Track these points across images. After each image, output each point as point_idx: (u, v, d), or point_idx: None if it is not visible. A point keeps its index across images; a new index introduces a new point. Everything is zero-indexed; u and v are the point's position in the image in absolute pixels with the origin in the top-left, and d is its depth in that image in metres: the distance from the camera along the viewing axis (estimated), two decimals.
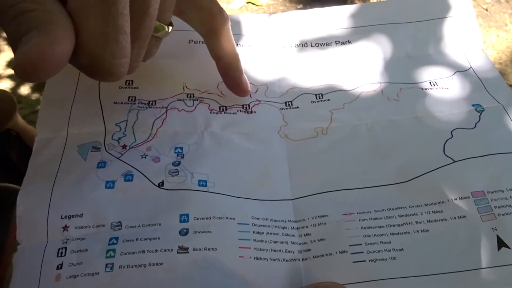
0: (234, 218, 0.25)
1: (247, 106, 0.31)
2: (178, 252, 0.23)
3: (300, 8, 1.39)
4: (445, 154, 0.28)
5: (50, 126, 0.28)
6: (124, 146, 0.28)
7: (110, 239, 0.24)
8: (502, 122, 0.30)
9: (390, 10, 0.36)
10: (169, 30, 0.26)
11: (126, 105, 0.30)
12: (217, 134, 0.29)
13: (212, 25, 0.28)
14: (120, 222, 0.25)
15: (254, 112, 0.31)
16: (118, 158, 0.27)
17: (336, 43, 0.35)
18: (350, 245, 0.25)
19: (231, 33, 0.29)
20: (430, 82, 0.32)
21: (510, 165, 0.27)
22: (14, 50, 0.18)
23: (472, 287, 0.23)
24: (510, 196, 0.26)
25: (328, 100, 0.32)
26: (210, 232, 0.24)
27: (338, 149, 0.29)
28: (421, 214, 0.26)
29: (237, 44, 0.30)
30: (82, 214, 0.25)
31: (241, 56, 0.30)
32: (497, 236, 0.24)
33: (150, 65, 0.28)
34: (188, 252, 0.23)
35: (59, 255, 0.23)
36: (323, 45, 0.35)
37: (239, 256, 0.24)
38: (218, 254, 0.24)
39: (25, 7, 0.18)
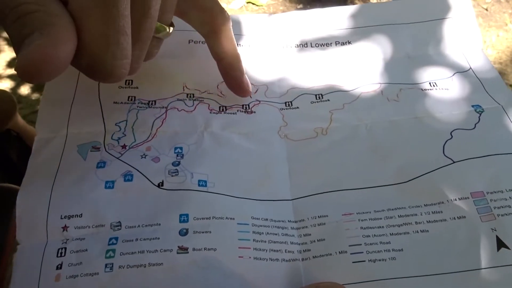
0: (233, 218, 0.25)
1: (247, 106, 0.31)
2: (177, 252, 0.23)
3: (300, 8, 1.39)
4: (445, 155, 0.28)
5: (49, 126, 0.28)
6: (123, 146, 0.28)
7: (110, 239, 0.24)
8: (501, 123, 0.30)
9: (390, 10, 0.36)
10: (170, 31, 0.26)
11: (126, 105, 0.30)
12: (217, 134, 0.29)
13: (213, 25, 0.28)
14: (119, 222, 0.25)
15: (254, 112, 0.31)
16: (117, 158, 0.27)
17: (336, 44, 0.35)
18: (349, 245, 0.25)
19: (232, 33, 0.29)
20: (430, 83, 0.32)
21: (509, 166, 0.27)
22: (16, 52, 0.18)
23: (472, 287, 0.23)
24: (510, 197, 0.26)
25: (328, 100, 0.32)
26: (210, 232, 0.24)
27: (338, 149, 0.29)
28: (421, 215, 0.26)
29: (237, 44, 0.30)
30: (81, 214, 0.25)
31: (241, 56, 0.30)
32: (497, 236, 0.24)
33: (150, 65, 0.28)
34: (188, 252, 0.23)
35: (59, 255, 0.23)
36: (323, 46, 0.35)
37: (239, 256, 0.24)
38: (217, 254, 0.24)
39: (28, 9, 0.18)
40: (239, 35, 0.35)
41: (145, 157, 0.27)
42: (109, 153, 0.27)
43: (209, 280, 0.23)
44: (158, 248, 0.23)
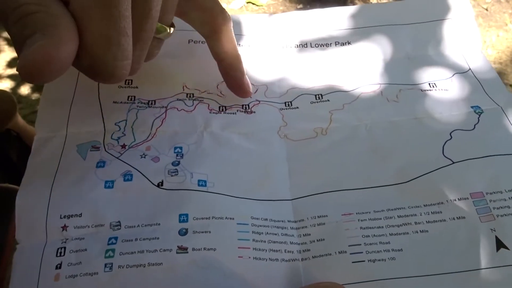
0: (233, 218, 0.25)
1: (247, 106, 0.31)
2: (177, 252, 0.23)
3: (300, 8, 1.39)
4: (444, 155, 0.28)
5: (49, 126, 0.28)
6: (123, 146, 0.28)
7: (109, 239, 0.24)
8: (500, 124, 0.30)
9: (390, 11, 0.36)
10: (171, 31, 0.26)
11: (125, 104, 0.30)
12: (217, 134, 0.29)
13: (213, 26, 0.28)
14: (119, 222, 0.25)
15: (254, 112, 0.31)
16: (117, 158, 0.27)
17: (336, 44, 0.35)
18: (349, 245, 0.25)
19: (233, 34, 0.29)
20: (429, 84, 0.32)
21: (508, 167, 0.27)
22: (18, 52, 0.18)
23: (471, 287, 0.23)
24: (509, 197, 0.26)
25: (328, 100, 0.32)
26: (209, 232, 0.24)
27: (337, 149, 0.29)
28: (420, 215, 0.26)
29: (237, 44, 0.30)
30: (81, 214, 0.25)
31: (241, 56, 0.30)
32: (496, 237, 0.24)
33: (149, 65, 0.28)
34: (187, 252, 0.23)
35: (58, 254, 0.23)
36: (323, 46, 0.35)
37: (238, 256, 0.24)
38: (217, 254, 0.24)
39: (29, 9, 0.18)
40: (239, 35, 0.35)
41: (144, 157, 0.27)
42: (109, 153, 0.27)
43: (208, 280, 0.23)
44: (157, 248, 0.23)
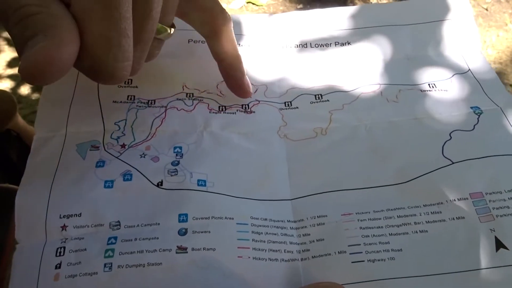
0: (233, 218, 0.25)
1: (247, 106, 0.31)
2: (177, 252, 0.23)
3: (300, 8, 1.39)
4: (444, 156, 0.28)
5: (48, 125, 0.28)
6: (123, 145, 0.28)
7: (109, 238, 0.24)
8: (500, 124, 0.30)
9: (389, 11, 0.36)
10: (171, 32, 0.26)
11: (125, 104, 0.30)
12: (217, 134, 0.29)
13: (213, 26, 0.28)
14: (119, 221, 0.25)
15: (254, 112, 0.31)
16: (117, 158, 0.27)
17: (335, 44, 0.35)
18: (349, 245, 0.25)
19: (233, 34, 0.29)
20: (429, 84, 0.32)
21: (508, 167, 0.27)
22: (19, 54, 0.18)
23: (471, 287, 0.23)
24: (509, 198, 0.26)
25: (328, 100, 0.32)
26: (209, 232, 0.24)
27: (337, 149, 0.29)
28: (420, 215, 0.26)
29: (237, 44, 0.30)
30: (80, 214, 0.25)
31: (241, 56, 0.30)
32: (495, 237, 0.24)
33: (149, 65, 0.28)
34: (187, 252, 0.23)
35: (58, 254, 0.23)
36: (323, 46, 0.35)
37: (238, 256, 0.24)
38: (217, 254, 0.24)
39: (30, 11, 0.18)
40: (239, 35, 0.35)
41: (144, 157, 0.27)
42: (108, 153, 0.27)
43: (208, 280, 0.23)
44: (157, 248, 0.23)
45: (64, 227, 0.24)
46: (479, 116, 0.30)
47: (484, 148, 0.28)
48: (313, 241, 0.25)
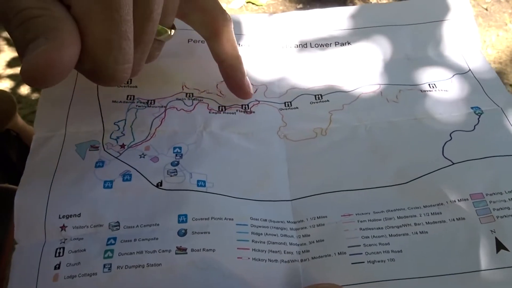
0: (232, 219, 0.25)
1: (246, 106, 0.31)
2: (176, 253, 0.23)
3: (300, 8, 1.39)
4: (444, 156, 0.28)
5: (48, 125, 0.28)
6: (122, 146, 0.28)
7: (108, 239, 0.24)
8: (500, 124, 0.30)
9: (389, 11, 0.36)
10: (172, 33, 0.26)
11: (124, 104, 0.30)
12: (216, 134, 0.29)
13: (214, 27, 0.28)
14: (118, 222, 0.25)
15: (253, 112, 0.31)
16: (116, 158, 0.27)
17: (335, 44, 0.35)
18: (348, 247, 0.24)
19: (234, 35, 0.29)
20: (429, 84, 0.32)
21: (508, 168, 0.27)
22: (20, 56, 0.18)
23: None
24: (509, 199, 0.26)
25: (328, 101, 0.31)
26: (209, 232, 0.24)
27: (337, 150, 0.29)
28: (420, 216, 0.25)
29: (237, 44, 0.30)
30: (80, 214, 0.24)
31: (241, 55, 0.30)
32: (496, 238, 0.24)
33: (149, 64, 0.28)
34: (187, 253, 0.23)
35: (57, 255, 0.23)
36: (323, 46, 0.35)
37: (238, 257, 0.24)
38: (216, 255, 0.23)
39: (31, 14, 0.18)
40: (239, 34, 0.35)
41: (144, 157, 0.27)
42: (108, 153, 0.27)
43: (207, 280, 0.23)
44: (156, 249, 0.23)
45: (63, 228, 0.24)
46: (479, 116, 0.30)
47: (485, 148, 0.28)
48: (313, 242, 0.25)
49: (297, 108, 0.31)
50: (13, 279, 0.23)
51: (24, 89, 1.16)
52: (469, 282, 0.23)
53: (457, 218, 0.25)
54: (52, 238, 0.24)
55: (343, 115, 0.31)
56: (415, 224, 0.25)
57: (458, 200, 0.26)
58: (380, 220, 0.26)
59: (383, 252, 0.24)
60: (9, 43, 1.25)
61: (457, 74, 0.33)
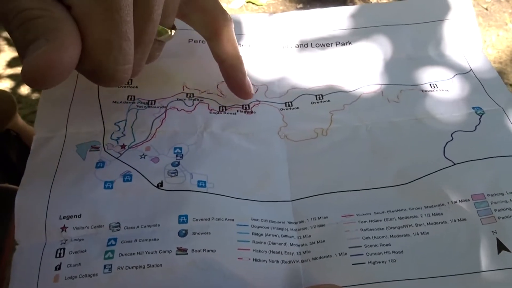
0: (233, 220, 0.25)
1: (247, 106, 0.31)
2: (176, 254, 0.23)
3: (300, 8, 1.39)
4: (445, 157, 0.28)
5: (48, 125, 0.28)
6: (123, 146, 0.28)
7: (109, 240, 0.24)
8: (502, 125, 0.29)
9: (390, 11, 0.36)
10: (172, 34, 0.26)
11: (125, 104, 0.30)
12: (217, 134, 0.29)
13: (214, 28, 0.28)
14: (118, 223, 0.24)
15: (254, 112, 0.31)
16: (117, 158, 0.27)
17: (336, 44, 0.35)
18: (349, 247, 0.24)
19: (234, 35, 0.29)
20: (430, 84, 0.32)
21: (510, 168, 0.27)
22: (21, 57, 0.18)
23: None
24: (510, 199, 0.26)
25: (328, 101, 0.31)
26: (209, 233, 0.24)
27: (338, 150, 0.29)
28: (421, 217, 0.25)
29: (238, 44, 0.30)
30: (80, 215, 0.24)
31: (242, 55, 0.30)
32: (497, 239, 0.24)
33: (149, 65, 0.28)
34: (187, 254, 0.23)
35: (58, 255, 0.23)
36: (324, 46, 0.35)
37: (238, 258, 0.24)
38: (217, 255, 0.23)
39: (32, 15, 0.18)
40: (239, 34, 0.35)
41: (144, 157, 0.27)
42: (108, 153, 0.27)
43: (208, 281, 0.23)
44: (157, 249, 0.23)
45: (64, 228, 0.24)
46: (480, 116, 0.30)
47: (486, 149, 0.28)
48: (314, 243, 0.25)
49: (297, 108, 0.31)
50: (13, 280, 0.23)
51: (24, 89, 1.16)
52: (470, 283, 0.23)
53: (458, 219, 0.25)
54: (53, 239, 0.24)
55: (344, 115, 0.30)
56: (416, 224, 0.25)
57: (459, 200, 0.26)
58: (381, 220, 0.25)
59: (384, 252, 0.24)
60: (9, 43, 1.25)
61: (458, 74, 0.33)
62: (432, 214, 0.25)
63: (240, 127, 0.30)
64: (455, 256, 0.24)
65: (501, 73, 1.19)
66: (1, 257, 0.37)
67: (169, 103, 0.30)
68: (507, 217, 0.25)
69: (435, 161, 0.28)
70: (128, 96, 0.30)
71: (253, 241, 0.24)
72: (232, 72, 0.30)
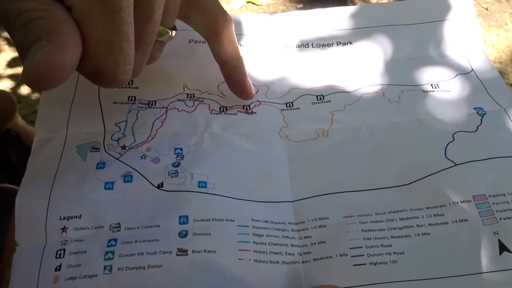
0: (233, 220, 0.25)
1: (248, 106, 0.31)
2: (177, 254, 0.23)
3: (300, 8, 1.39)
4: (447, 157, 0.28)
5: (49, 126, 0.28)
6: (123, 147, 0.28)
7: (109, 240, 0.24)
8: (503, 125, 0.29)
9: (391, 11, 0.36)
10: (173, 34, 0.26)
11: (126, 105, 0.30)
12: (217, 135, 0.29)
13: (215, 28, 0.28)
14: (119, 223, 0.24)
15: (255, 113, 0.31)
16: (117, 159, 0.27)
17: (337, 44, 0.35)
18: (350, 248, 0.24)
19: (235, 36, 0.29)
20: (431, 85, 0.32)
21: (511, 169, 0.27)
22: (22, 58, 0.18)
23: None
24: None
25: (329, 101, 0.31)
26: (210, 234, 0.24)
27: (339, 151, 0.29)
28: (422, 217, 0.25)
29: (238, 44, 0.30)
30: (81, 215, 0.24)
31: (242, 55, 0.30)
32: (499, 240, 0.24)
33: (150, 65, 0.28)
34: (187, 255, 0.23)
35: (58, 256, 0.23)
36: (324, 46, 0.35)
37: (239, 259, 0.24)
38: (217, 256, 0.23)
39: (33, 15, 0.18)
40: (239, 35, 0.35)
41: (145, 158, 0.27)
42: (109, 154, 0.27)
43: (208, 282, 0.23)
44: (157, 250, 0.23)
45: (64, 229, 0.24)
46: (482, 117, 0.30)
47: (488, 149, 0.28)
48: (315, 244, 0.25)
49: (298, 108, 0.31)
50: (13, 281, 0.23)
51: (24, 89, 1.16)
52: (471, 284, 0.23)
53: (459, 220, 0.25)
54: (53, 239, 0.24)
55: (345, 116, 0.30)
56: (417, 225, 0.25)
57: (460, 201, 0.26)
58: (382, 221, 0.25)
59: (385, 253, 0.24)
60: (9, 43, 1.25)
61: (460, 74, 0.33)
62: (434, 215, 0.25)
63: (240, 128, 0.30)
64: (456, 257, 0.24)
65: (501, 73, 1.19)
66: (1, 258, 0.37)
67: (169, 104, 0.30)
68: (508, 218, 0.25)
69: (436, 162, 0.28)
70: (129, 97, 0.30)
71: (254, 242, 0.24)
72: (232, 73, 0.30)
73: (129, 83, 0.31)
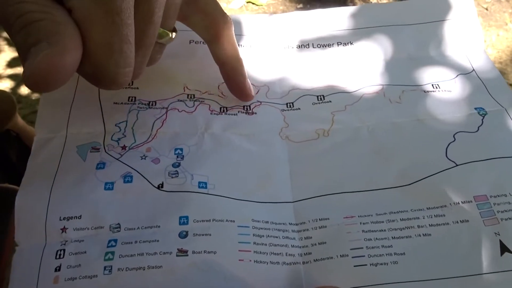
0: (234, 221, 0.25)
1: (248, 107, 0.31)
2: (177, 255, 0.23)
3: (300, 8, 1.39)
4: (448, 158, 0.28)
5: (49, 126, 0.28)
6: (123, 147, 0.27)
7: (109, 241, 0.24)
8: (505, 125, 0.29)
9: (392, 11, 0.36)
10: (173, 36, 0.26)
11: (126, 105, 0.30)
12: (218, 135, 0.29)
13: (215, 30, 0.28)
14: (119, 224, 0.24)
15: (255, 113, 0.31)
16: (117, 159, 0.27)
17: (338, 44, 0.35)
18: (351, 249, 0.24)
19: (234, 38, 0.29)
20: (432, 85, 0.32)
21: None
22: (22, 60, 0.18)
23: None
24: None
25: (330, 101, 0.31)
26: (210, 235, 0.24)
27: (339, 151, 0.29)
28: (423, 218, 0.25)
29: (238, 45, 0.30)
30: (80, 216, 0.24)
31: (242, 56, 0.30)
32: (500, 241, 0.24)
33: (150, 66, 0.28)
34: (188, 255, 0.23)
35: (58, 257, 0.23)
36: (325, 46, 0.35)
37: (239, 259, 0.24)
38: (217, 257, 0.23)
39: (33, 17, 0.18)
40: (239, 35, 0.35)
41: (145, 158, 0.27)
42: (109, 154, 0.27)
43: (209, 283, 0.23)
44: (157, 251, 0.23)
45: (64, 229, 0.24)
46: (483, 117, 0.30)
47: (489, 150, 0.28)
48: (315, 244, 0.25)
49: (299, 109, 0.31)
50: (13, 281, 0.23)
51: (24, 89, 1.16)
52: (472, 285, 0.23)
53: (460, 221, 0.25)
54: (53, 240, 0.24)
55: (346, 116, 0.30)
56: (418, 226, 0.25)
57: (461, 202, 0.26)
58: (382, 222, 0.25)
59: (386, 254, 0.24)
60: (9, 43, 1.25)
61: (460, 74, 0.33)
62: (434, 215, 0.25)
63: (241, 128, 0.30)
64: (457, 258, 0.24)
65: (501, 73, 1.18)
66: (1, 258, 0.37)
67: (170, 104, 0.30)
68: (510, 218, 0.25)
69: (437, 162, 0.28)
70: (129, 97, 0.30)
71: (254, 243, 0.24)
72: (232, 75, 0.30)
73: (129, 84, 0.31)
